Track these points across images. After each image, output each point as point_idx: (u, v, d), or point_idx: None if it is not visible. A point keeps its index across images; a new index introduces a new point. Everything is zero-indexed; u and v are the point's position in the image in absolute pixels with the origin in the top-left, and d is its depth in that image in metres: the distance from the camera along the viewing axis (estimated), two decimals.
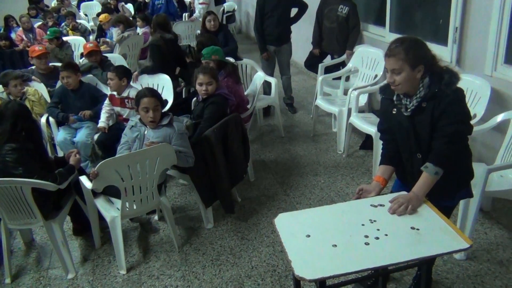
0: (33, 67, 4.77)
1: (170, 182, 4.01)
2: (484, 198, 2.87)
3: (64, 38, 6.29)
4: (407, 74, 1.94)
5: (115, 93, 3.99)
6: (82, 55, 5.47)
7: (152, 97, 2.97)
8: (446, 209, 2.01)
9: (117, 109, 4.06)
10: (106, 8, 8.44)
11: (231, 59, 4.49)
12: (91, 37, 7.66)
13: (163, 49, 4.70)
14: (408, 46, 1.94)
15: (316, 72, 5.16)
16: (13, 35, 7.41)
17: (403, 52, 1.93)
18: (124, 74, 3.94)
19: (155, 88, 4.27)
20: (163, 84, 4.37)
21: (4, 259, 2.91)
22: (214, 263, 2.98)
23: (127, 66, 4.62)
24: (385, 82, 2.08)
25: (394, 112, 2.11)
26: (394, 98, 2.08)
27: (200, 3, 7.91)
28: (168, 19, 5.01)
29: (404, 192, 2.04)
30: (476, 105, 3.22)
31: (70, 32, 7.56)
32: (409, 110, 2.02)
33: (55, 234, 2.88)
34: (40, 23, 8.10)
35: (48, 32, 5.95)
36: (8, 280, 2.91)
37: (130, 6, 9.64)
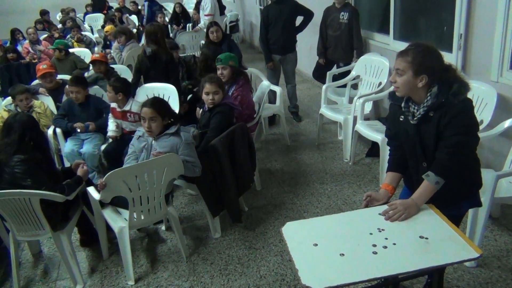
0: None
1: (177, 191, 4.01)
2: (493, 204, 2.85)
3: (70, 50, 6.34)
4: (408, 78, 1.94)
5: (115, 105, 4.01)
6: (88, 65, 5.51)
7: (150, 107, 2.96)
8: (454, 218, 1.99)
9: (118, 121, 4.08)
10: (110, 20, 8.54)
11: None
12: (96, 49, 7.73)
13: (142, 64, 4.70)
14: (419, 51, 1.93)
15: (324, 83, 5.18)
16: (19, 48, 7.48)
17: (411, 55, 1.93)
18: (121, 89, 3.89)
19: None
20: (169, 94, 4.39)
21: (13, 271, 2.92)
22: (222, 272, 2.97)
23: (128, 79, 4.62)
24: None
25: (401, 119, 2.10)
26: (402, 104, 2.07)
27: (205, 15, 8.00)
28: (161, 30, 4.91)
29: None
30: (483, 112, 3.21)
31: (75, 44, 7.64)
32: (415, 118, 2.01)
33: (63, 245, 2.88)
34: (46, 35, 8.19)
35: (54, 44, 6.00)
36: None
37: (134, 18, 9.75)
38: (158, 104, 3.03)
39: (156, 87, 4.51)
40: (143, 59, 4.65)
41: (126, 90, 3.97)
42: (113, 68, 5.03)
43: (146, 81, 4.73)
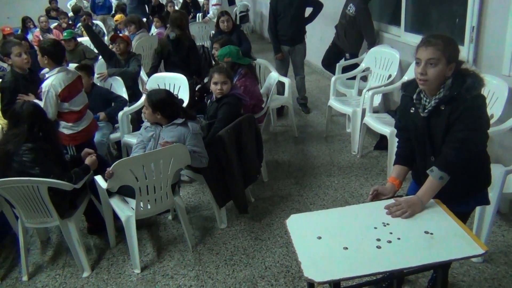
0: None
1: (184, 181, 4.03)
2: (502, 200, 2.82)
3: (79, 39, 6.37)
4: (442, 67, 1.88)
5: None
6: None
7: (147, 97, 3.00)
8: (461, 215, 1.97)
9: None
10: (120, 9, 8.54)
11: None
12: (106, 38, 7.74)
13: (164, 49, 4.71)
14: (448, 39, 1.90)
15: (333, 72, 5.15)
16: (30, 36, 7.52)
17: (442, 43, 1.87)
18: (48, 52, 3.34)
19: (171, 88, 4.29)
20: (179, 84, 4.39)
21: (21, 257, 2.96)
22: (228, 263, 2.99)
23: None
24: (406, 79, 2.04)
25: (411, 111, 2.07)
26: (414, 96, 2.04)
27: (213, 5, 8.00)
28: (185, 16, 5.02)
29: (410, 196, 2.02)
30: (494, 106, 3.16)
31: (84, 32, 7.65)
32: (426, 111, 1.98)
33: (71, 233, 2.92)
34: (56, 24, 8.21)
35: (64, 34, 6.02)
36: (25, 278, 2.96)
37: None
38: (156, 95, 3.01)
39: (166, 77, 4.51)
40: (167, 43, 4.65)
41: (55, 55, 3.36)
42: (134, 54, 5.00)
43: (166, 67, 4.73)
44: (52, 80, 3.30)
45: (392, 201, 2.00)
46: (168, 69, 4.76)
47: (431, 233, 1.79)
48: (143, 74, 5.32)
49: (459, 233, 1.79)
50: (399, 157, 2.24)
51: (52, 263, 3.14)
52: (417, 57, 1.94)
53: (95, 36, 5.03)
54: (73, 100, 3.42)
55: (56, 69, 3.34)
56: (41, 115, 2.88)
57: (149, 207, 2.95)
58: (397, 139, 2.30)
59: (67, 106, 3.39)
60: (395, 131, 2.32)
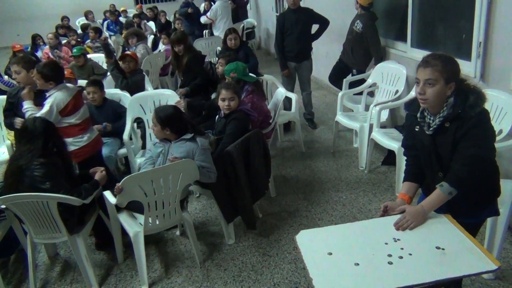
0: None
1: (192, 197, 4.02)
2: None
3: (88, 56, 6.45)
4: (440, 88, 1.91)
5: None
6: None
7: (155, 114, 3.02)
8: (471, 227, 1.98)
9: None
10: (128, 26, 8.66)
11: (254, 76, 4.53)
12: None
13: (196, 66, 4.81)
14: (446, 60, 1.93)
15: (339, 87, 5.17)
16: (39, 54, 7.62)
17: (441, 64, 1.91)
18: (51, 77, 3.38)
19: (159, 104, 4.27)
20: (167, 99, 4.29)
21: (30, 273, 2.95)
22: (236, 279, 2.97)
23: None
24: (410, 97, 2.07)
25: (416, 130, 2.10)
26: (418, 115, 2.06)
27: (206, 16, 8.78)
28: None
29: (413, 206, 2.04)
30: (502, 121, 3.15)
31: (88, 49, 7.74)
32: (431, 129, 2.01)
33: (79, 249, 2.92)
34: (65, 41, 8.33)
35: (74, 50, 6.11)
36: None
37: (152, 24, 9.88)
38: (162, 112, 3.02)
39: (149, 95, 4.45)
40: (195, 62, 4.76)
41: (57, 77, 3.43)
42: (141, 70, 5.08)
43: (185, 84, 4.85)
44: (55, 97, 3.35)
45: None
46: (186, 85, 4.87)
47: (443, 249, 1.78)
48: (150, 89, 5.37)
49: (471, 248, 1.78)
50: (408, 174, 2.26)
51: (60, 279, 3.14)
52: (417, 76, 1.99)
53: (111, 54, 5.15)
54: (74, 114, 3.47)
55: (57, 87, 3.41)
56: (53, 131, 2.92)
57: (157, 222, 2.95)
58: (405, 157, 2.31)
59: (67, 119, 3.43)
60: (403, 148, 2.32)
